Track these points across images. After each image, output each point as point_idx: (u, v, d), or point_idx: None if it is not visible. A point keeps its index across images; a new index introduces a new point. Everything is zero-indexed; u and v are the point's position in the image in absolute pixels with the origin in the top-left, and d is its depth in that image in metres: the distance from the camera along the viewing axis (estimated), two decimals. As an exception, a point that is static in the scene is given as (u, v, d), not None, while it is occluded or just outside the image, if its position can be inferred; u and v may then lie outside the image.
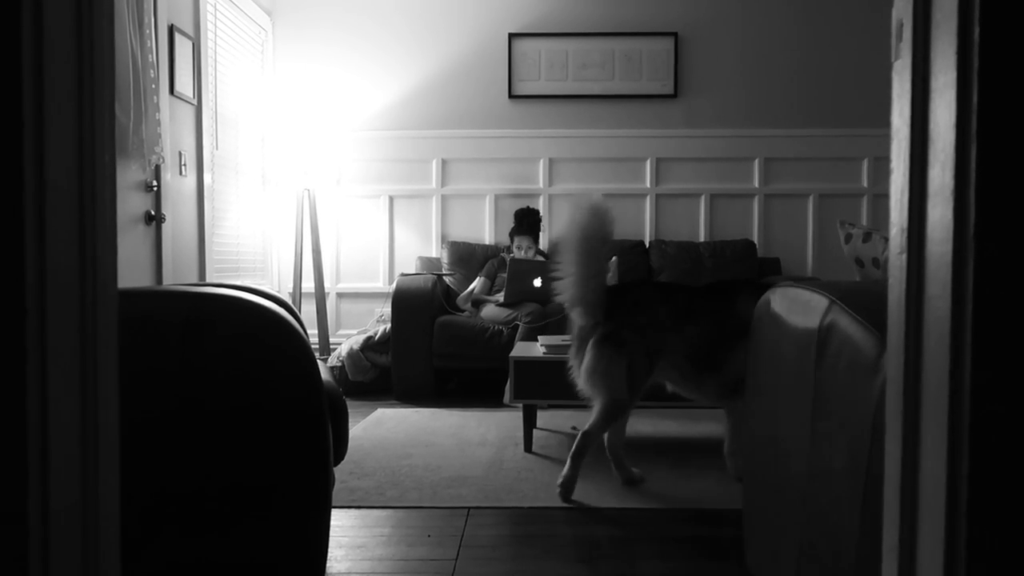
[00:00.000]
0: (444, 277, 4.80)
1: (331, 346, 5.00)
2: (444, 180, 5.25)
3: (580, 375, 2.61)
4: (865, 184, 5.17)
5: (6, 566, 0.71)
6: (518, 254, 4.61)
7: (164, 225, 3.76)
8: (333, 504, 2.11)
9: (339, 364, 4.56)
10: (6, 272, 0.71)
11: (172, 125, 3.86)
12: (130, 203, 3.51)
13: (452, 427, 3.60)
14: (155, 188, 3.69)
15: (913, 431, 0.80)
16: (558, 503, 2.48)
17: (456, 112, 5.24)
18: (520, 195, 5.17)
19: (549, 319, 4.16)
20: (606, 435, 2.67)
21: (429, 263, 5.00)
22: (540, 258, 4.63)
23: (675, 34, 5.14)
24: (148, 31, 3.41)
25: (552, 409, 3.90)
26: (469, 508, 2.43)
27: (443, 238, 5.20)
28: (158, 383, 1.50)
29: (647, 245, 4.98)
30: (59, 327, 0.75)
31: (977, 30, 0.70)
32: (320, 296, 4.92)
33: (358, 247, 5.27)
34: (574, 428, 3.55)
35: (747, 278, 4.16)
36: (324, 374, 1.71)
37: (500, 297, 4.43)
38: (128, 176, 3.47)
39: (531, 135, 5.21)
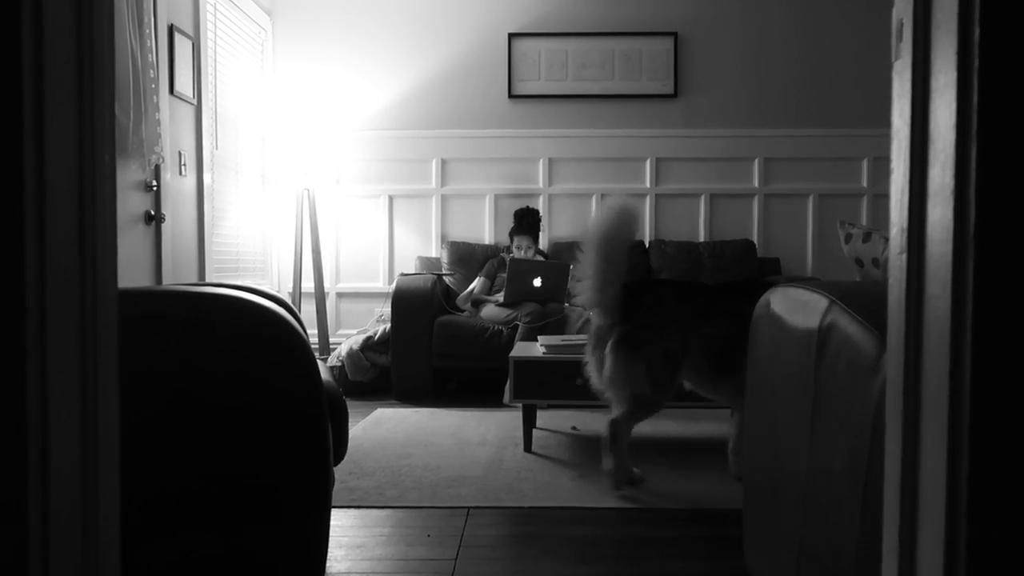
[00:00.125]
0: (444, 277, 4.80)
1: (331, 346, 5.00)
2: (444, 180, 5.25)
3: (602, 382, 2.62)
4: (865, 184, 5.17)
5: (6, 566, 0.71)
6: (518, 254, 4.61)
7: (164, 225, 3.76)
8: (333, 504, 2.10)
9: (339, 364, 4.56)
10: (6, 272, 0.71)
11: (172, 125, 3.86)
12: (130, 203, 3.52)
13: (452, 427, 3.60)
14: (155, 188, 3.69)
15: (913, 431, 0.80)
16: (558, 503, 2.47)
17: (456, 112, 5.24)
18: (520, 195, 5.17)
19: (549, 319, 4.16)
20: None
21: (429, 263, 4.99)
22: (540, 258, 4.63)
23: (675, 34, 5.14)
24: (148, 31, 3.41)
25: (552, 409, 3.90)
26: (469, 508, 2.43)
27: (443, 238, 5.20)
28: (158, 383, 1.50)
29: (647, 245, 4.98)
30: (59, 327, 0.75)
31: (977, 30, 0.70)
32: (320, 296, 4.92)
33: (358, 247, 5.27)
34: (574, 428, 3.55)
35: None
36: (324, 374, 1.71)
37: (500, 297, 4.42)
38: (128, 176, 3.47)
39: (531, 135, 5.21)
